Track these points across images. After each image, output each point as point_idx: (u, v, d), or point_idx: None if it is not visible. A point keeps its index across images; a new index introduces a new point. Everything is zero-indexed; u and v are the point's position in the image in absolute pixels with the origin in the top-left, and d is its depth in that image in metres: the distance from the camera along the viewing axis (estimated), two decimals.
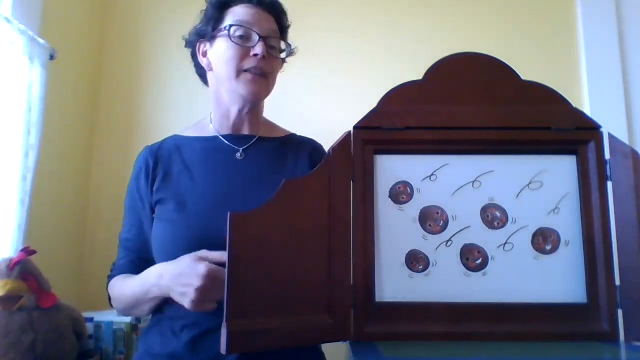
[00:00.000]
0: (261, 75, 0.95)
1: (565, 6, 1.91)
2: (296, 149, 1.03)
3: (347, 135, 0.78)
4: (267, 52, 0.94)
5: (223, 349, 0.62)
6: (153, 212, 0.96)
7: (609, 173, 0.77)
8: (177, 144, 1.01)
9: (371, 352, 0.67)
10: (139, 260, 0.97)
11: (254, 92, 0.95)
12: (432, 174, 0.79)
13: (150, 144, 1.06)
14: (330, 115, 1.77)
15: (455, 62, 0.82)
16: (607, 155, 0.78)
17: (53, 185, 1.62)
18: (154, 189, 0.97)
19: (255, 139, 1.02)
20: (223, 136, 1.01)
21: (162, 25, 1.94)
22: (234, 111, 1.00)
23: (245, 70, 0.94)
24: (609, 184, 0.77)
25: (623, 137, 1.71)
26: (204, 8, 1.01)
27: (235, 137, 1.01)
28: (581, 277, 0.75)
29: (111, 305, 1.02)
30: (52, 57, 1.48)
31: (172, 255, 0.86)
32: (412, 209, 0.78)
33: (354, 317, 0.73)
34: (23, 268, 1.21)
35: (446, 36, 1.89)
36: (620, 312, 0.73)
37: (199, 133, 1.03)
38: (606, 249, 0.75)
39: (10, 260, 1.21)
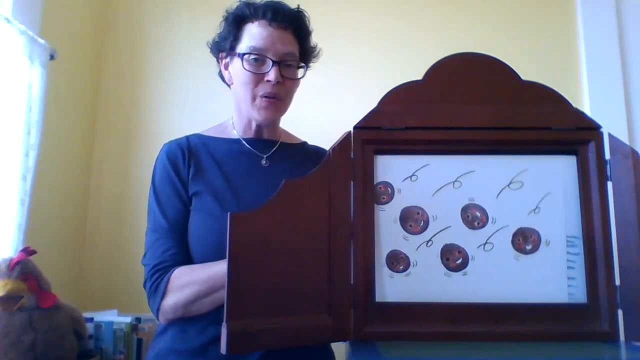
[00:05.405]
0: (276, 99, 0.96)
1: (565, 6, 1.91)
2: (314, 157, 1.05)
3: (347, 135, 0.78)
4: (282, 76, 0.94)
5: (223, 349, 0.62)
6: (190, 202, 0.96)
7: (609, 173, 0.77)
8: (203, 141, 1.02)
9: (371, 352, 0.67)
10: (187, 248, 0.94)
11: (266, 119, 0.98)
12: (413, 174, 0.79)
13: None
14: (330, 115, 1.77)
15: (455, 62, 0.82)
16: (607, 155, 0.78)
17: (53, 185, 1.62)
18: (189, 179, 0.97)
19: (277, 145, 1.04)
20: (245, 140, 1.03)
21: (161, 25, 1.95)
22: (254, 123, 1.02)
23: (260, 95, 0.95)
24: (609, 184, 0.77)
25: (623, 137, 1.71)
26: (221, 19, 1.01)
27: (257, 141, 1.03)
28: (561, 277, 0.75)
29: (155, 302, 0.90)
30: (52, 57, 1.48)
31: (215, 248, 0.88)
32: (393, 209, 0.78)
33: (354, 317, 0.73)
34: (23, 268, 1.21)
35: (446, 36, 1.90)
36: (620, 312, 0.73)
37: (221, 134, 1.04)
38: (606, 249, 0.74)
39: (10, 260, 1.21)
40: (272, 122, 1.03)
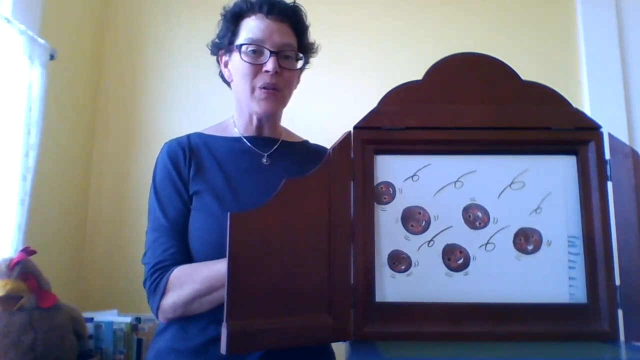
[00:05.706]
0: (275, 90, 0.96)
1: (565, 6, 1.91)
2: (315, 156, 1.04)
3: (347, 135, 0.78)
4: (280, 67, 0.95)
5: (223, 348, 0.62)
6: (191, 201, 0.96)
7: (609, 173, 0.77)
8: (204, 140, 1.02)
9: (371, 352, 0.67)
10: (187, 247, 0.94)
11: (266, 110, 0.97)
12: (414, 174, 0.79)
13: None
14: (330, 114, 1.77)
15: (455, 62, 0.82)
16: (607, 155, 0.78)
17: (53, 185, 1.62)
18: (190, 178, 0.97)
19: (278, 144, 1.04)
20: (246, 138, 1.03)
21: (161, 25, 1.95)
22: (254, 118, 1.02)
23: (259, 87, 0.95)
24: (609, 184, 0.77)
25: (623, 137, 1.71)
26: (220, 18, 1.01)
27: (258, 139, 1.03)
28: (563, 277, 0.75)
29: (155, 301, 0.90)
30: (52, 57, 1.48)
31: (215, 248, 0.88)
32: (394, 209, 0.78)
33: (354, 317, 0.73)
34: (23, 268, 1.21)
35: (446, 36, 1.90)
36: (620, 312, 0.73)
37: (222, 133, 1.04)
38: (606, 249, 0.74)
39: (10, 260, 1.21)
40: (273, 115, 1.02)
